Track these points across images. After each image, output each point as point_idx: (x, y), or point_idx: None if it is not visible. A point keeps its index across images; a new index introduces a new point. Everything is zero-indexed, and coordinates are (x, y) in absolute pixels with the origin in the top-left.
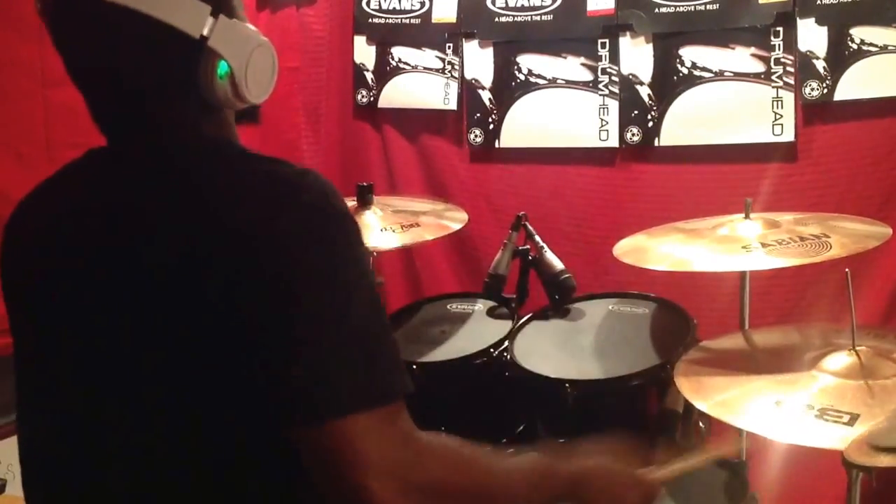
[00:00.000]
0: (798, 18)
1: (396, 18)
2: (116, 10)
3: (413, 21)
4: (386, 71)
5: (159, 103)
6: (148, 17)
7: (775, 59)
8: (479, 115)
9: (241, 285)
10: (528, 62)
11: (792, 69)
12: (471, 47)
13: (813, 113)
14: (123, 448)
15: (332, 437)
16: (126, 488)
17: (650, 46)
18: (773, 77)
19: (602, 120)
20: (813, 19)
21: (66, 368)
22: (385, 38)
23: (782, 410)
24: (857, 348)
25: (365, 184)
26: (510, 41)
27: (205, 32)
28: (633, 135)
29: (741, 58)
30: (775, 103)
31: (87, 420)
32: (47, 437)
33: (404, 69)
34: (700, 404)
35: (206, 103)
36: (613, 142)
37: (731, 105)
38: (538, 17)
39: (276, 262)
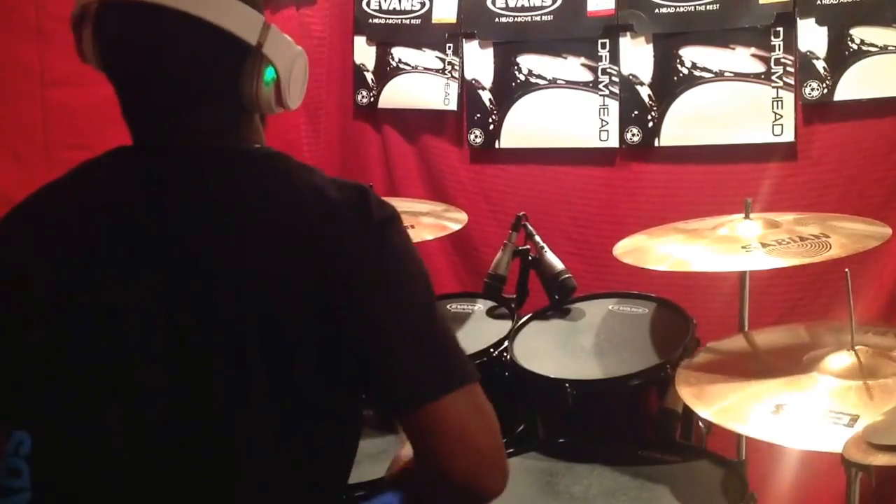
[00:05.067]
0: (798, 19)
1: (396, 19)
2: (179, 16)
3: (413, 21)
4: (386, 71)
5: (204, 107)
6: (209, 24)
7: (775, 60)
8: (479, 115)
9: (339, 296)
10: (529, 62)
11: (792, 69)
12: (471, 48)
13: (813, 113)
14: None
15: (457, 404)
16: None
17: (650, 47)
18: (773, 77)
19: (602, 120)
20: (813, 19)
21: (108, 365)
22: (385, 38)
23: (783, 415)
24: (857, 348)
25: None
26: (510, 41)
27: (260, 40)
28: (633, 135)
29: (741, 58)
30: (775, 103)
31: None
32: (88, 441)
33: (404, 69)
34: (702, 411)
35: (245, 108)
36: (613, 142)
37: (731, 105)
38: (538, 18)
39: (373, 267)
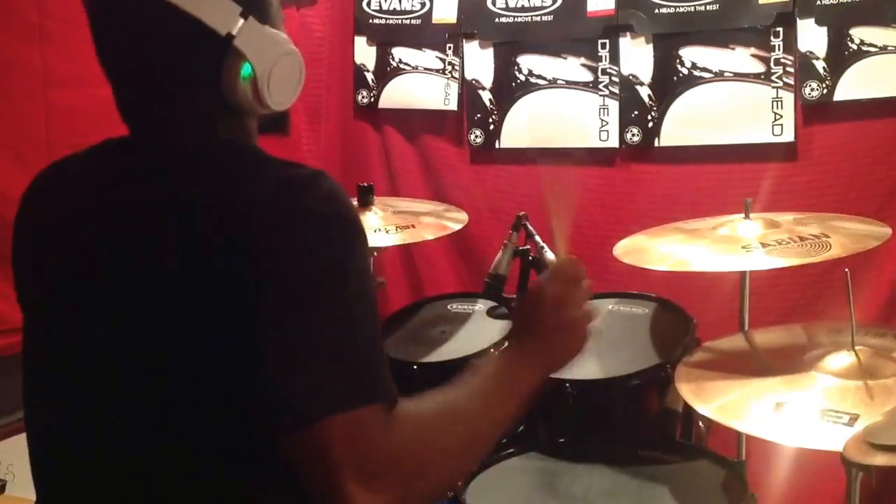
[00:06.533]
0: (798, 19)
1: (397, 19)
2: (148, 1)
3: (413, 21)
4: (386, 71)
5: (181, 99)
6: (178, 10)
7: (775, 60)
8: (479, 115)
9: (238, 289)
10: (529, 63)
11: (792, 69)
12: (471, 48)
13: (813, 113)
14: (118, 435)
15: (309, 442)
16: (124, 479)
17: (650, 47)
18: (773, 77)
19: (602, 120)
20: (813, 19)
21: (66, 361)
22: (385, 38)
23: (783, 413)
24: (857, 348)
25: (365, 184)
26: (510, 42)
27: (232, 31)
28: (633, 135)
29: (741, 58)
30: (775, 103)
31: (89, 412)
32: (52, 429)
33: (405, 70)
34: (701, 408)
35: (228, 105)
36: (613, 142)
37: (731, 105)
38: (538, 18)
39: (275, 268)
